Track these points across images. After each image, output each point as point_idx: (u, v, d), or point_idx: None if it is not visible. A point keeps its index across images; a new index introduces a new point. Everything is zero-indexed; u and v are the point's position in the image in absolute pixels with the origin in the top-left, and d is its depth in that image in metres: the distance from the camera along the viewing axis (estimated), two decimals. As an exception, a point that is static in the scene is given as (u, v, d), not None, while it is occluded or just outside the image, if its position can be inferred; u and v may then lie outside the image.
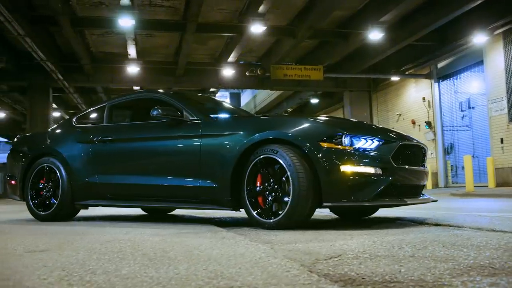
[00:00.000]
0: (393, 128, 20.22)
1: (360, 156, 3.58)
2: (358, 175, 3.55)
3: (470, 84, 17.20)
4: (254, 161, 3.79)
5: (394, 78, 19.57)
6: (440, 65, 17.99)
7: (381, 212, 5.28)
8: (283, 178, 3.65)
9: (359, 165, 3.56)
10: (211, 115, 4.36)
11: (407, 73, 18.95)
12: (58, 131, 5.38)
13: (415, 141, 4.21)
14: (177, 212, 6.39)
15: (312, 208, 3.64)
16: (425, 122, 18.44)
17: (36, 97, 18.44)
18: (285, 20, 16.02)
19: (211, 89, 22.95)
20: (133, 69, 18.35)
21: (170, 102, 4.51)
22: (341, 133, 3.61)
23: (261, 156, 3.75)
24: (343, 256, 2.15)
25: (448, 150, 18.20)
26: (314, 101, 24.02)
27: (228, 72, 19.02)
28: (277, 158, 3.65)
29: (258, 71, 18.11)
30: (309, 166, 3.58)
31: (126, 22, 13.35)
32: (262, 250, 2.38)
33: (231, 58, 18.72)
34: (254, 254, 2.23)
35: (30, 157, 5.15)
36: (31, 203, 5.00)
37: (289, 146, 3.68)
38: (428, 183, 17.38)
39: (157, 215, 5.94)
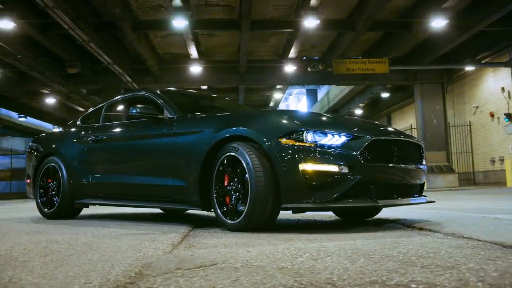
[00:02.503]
0: (469, 122, 18.82)
1: (323, 153, 3.29)
2: (320, 174, 3.27)
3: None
4: (221, 159, 3.64)
5: (469, 68, 18.18)
6: (521, 51, 16.41)
7: (388, 213, 4.84)
8: (245, 177, 3.46)
9: (321, 163, 3.27)
10: (191, 113, 4.26)
11: (483, 62, 17.53)
12: (65, 131, 5.59)
13: (402, 136, 3.80)
14: (196, 212, 6.36)
15: (274, 210, 3.41)
16: (505, 114, 16.91)
17: (108, 99, 19.45)
18: (344, 12, 15.53)
19: (278, 86, 22.84)
20: (196, 69, 18.78)
21: (155, 100, 4.49)
22: (303, 129, 3.35)
23: (226, 154, 3.60)
24: (215, 265, 1.96)
25: (531, 145, 16.57)
26: (385, 95, 22.97)
27: (290, 68, 18.81)
28: (238, 156, 3.48)
29: (320, 66, 17.72)
30: (270, 164, 3.36)
31: (179, 23, 13.64)
32: (149, 256, 2.25)
33: (294, 54, 18.53)
34: (122, 260, 2.11)
35: (39, 157, 5.40)
36: (39, 201, 5.24)
37: (251, 143, 3.49)
38: (510, 182, 15.91)
39: (172, 214, 5.96)
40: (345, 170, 3.30)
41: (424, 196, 4.05)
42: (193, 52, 17.72)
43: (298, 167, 3.26)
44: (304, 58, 20.08)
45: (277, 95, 24.74)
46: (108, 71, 17.98)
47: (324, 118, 3.85)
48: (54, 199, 5.11)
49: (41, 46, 16.26)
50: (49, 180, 5.22)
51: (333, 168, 3.28)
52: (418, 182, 3.95)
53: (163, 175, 4.08)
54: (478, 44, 16.90)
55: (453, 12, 13.94)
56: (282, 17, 15.67)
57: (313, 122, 3.53)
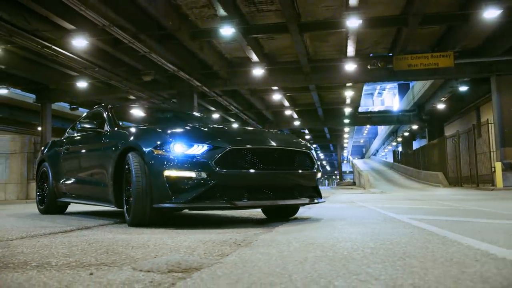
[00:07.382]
0: None
1: (183, 162, 3.84)
2: (179, 179, 3.83)
3: None
4: (126, 166, 4.32)
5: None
6: None
7: (316, 211, 5.12)
8: (135, 181, 4.11)
9: (181, 169, 3.83)
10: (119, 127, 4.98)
11: None
12: (56, 140, 6.62)
13: (282, 145, 4.21)
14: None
15: (154, 209, 4.00)
16: None
17: (183, 103, 21.01)
18: (397, 8, 15.28)
19: (347, 84, 22.76)
20: (260, 71, 19.47)
21: (103, 115, 5.30)
22: (171, 140, 3.93)
23: (127, 162, 4.28)
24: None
25: None
26: (463, 88, 21.73)
27: (351, 66, 18.76)
28: (129, 164, 4.15)
29: (379, 64, 17.49)
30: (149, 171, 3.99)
31: (226, 31, 14.46)
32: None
33: (355, 52, 18.45)
34: None
35: (38, 161, 6.52)
36: (37, 199, 6.34)
37: (138, 153, 4.13)
38: None
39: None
40: (202, 176, 3.82)
41: (312, 198, 4.39)
42: (253, 56, 18.42)
43: (163, 173, 3.86)
44: (371, 55, 19.87)
45: (347, 93, 24.62)
46: (179, 76, 19.40)
47: (199, 131, 4.33)
48: (45, 198, 6.17)
49: (116, 58, 18.09)
50: (45, 182, 6.29)
51: (190, 174, 3.83)
52: (305, 184, 4.32)
53: (97, 178, 4.88)
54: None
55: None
56: (333, 17, 15.82)
57: (184, 135, 4.07)
